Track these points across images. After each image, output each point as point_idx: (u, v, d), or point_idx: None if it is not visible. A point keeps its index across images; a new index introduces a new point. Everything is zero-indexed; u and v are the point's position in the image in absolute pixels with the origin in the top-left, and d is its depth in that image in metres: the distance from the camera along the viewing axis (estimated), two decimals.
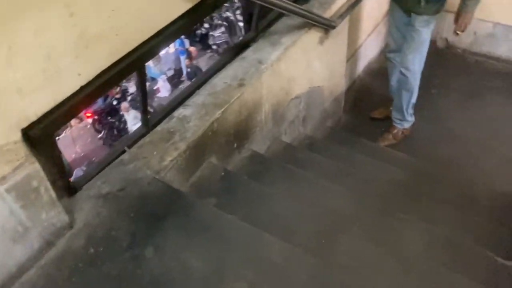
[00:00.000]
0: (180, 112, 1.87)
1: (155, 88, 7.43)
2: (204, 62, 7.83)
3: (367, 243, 1.58)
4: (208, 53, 7.95)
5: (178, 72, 7.66)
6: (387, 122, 3.08)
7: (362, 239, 1.61)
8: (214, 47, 7.83)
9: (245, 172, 1.96)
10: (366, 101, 3.37)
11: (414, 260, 1.58)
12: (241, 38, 2.28)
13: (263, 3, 1.87)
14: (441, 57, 3.51)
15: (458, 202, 2.16)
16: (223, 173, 1.81)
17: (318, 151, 2.43)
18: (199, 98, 1.93)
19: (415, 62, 2.63)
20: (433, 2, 2.40)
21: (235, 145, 2.03)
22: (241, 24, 6.68)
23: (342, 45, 2.76)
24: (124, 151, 1.74)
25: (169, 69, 7.64)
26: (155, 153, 1.70)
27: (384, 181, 2.24)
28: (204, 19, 6.31)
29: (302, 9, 2.12)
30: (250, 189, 1.76)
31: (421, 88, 2.82)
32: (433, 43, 2.60)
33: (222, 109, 1.86)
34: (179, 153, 1.71)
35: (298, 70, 2.36)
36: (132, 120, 6.30)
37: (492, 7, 3.12)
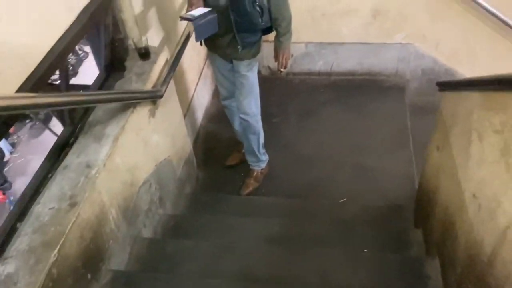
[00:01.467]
0: (1, 271, 1.41)
1: None
2: (27, 134, 6.92)
3: None
4: (28, 123, 7.06)
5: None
6: (244, 166, 2.97)
7: None
8: (32, 115, 6.98)
9: None
10: (216, 149, 3.22)
11: None
12: (55, 141, 1.88)
13: (63, 107, 1.54)
14: (269, 85, 3.55)
15: (342, 236, 2.13)
16: None
17: (186, 233, 2.18)
18: (22, 241, 1.49)
19: (251, 106, 2.56)
20: (249, 46, 2.35)
21: (89, 276, 1.64)
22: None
23: (176, 107, 2.55)
24: None
25: None
26: None
27: (264, 244, 2.11)
28: None
29: (118, 93, 1.85)
30: None
31: (263, 121, 2.75)
32: (258, 73, 2.57)
33: (58, 247, 1.45)
34: None
35: (137, 155, 2.06)
36: None
37: (300, 30, 3.27)
